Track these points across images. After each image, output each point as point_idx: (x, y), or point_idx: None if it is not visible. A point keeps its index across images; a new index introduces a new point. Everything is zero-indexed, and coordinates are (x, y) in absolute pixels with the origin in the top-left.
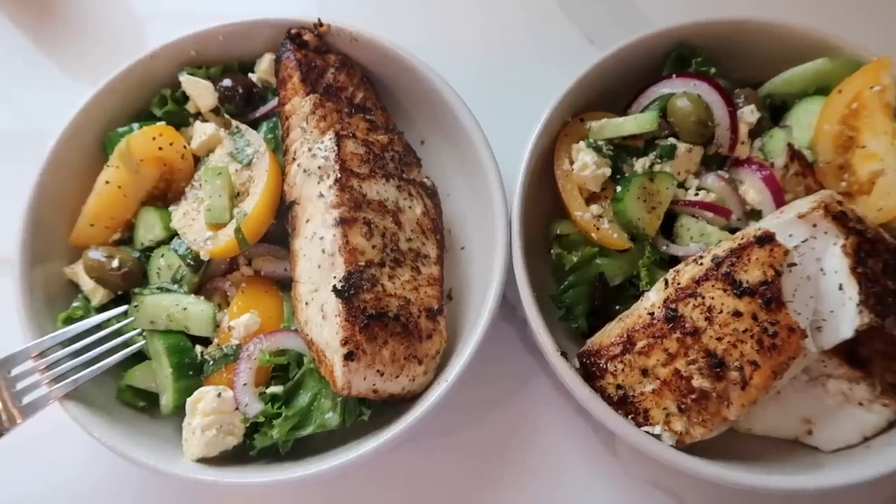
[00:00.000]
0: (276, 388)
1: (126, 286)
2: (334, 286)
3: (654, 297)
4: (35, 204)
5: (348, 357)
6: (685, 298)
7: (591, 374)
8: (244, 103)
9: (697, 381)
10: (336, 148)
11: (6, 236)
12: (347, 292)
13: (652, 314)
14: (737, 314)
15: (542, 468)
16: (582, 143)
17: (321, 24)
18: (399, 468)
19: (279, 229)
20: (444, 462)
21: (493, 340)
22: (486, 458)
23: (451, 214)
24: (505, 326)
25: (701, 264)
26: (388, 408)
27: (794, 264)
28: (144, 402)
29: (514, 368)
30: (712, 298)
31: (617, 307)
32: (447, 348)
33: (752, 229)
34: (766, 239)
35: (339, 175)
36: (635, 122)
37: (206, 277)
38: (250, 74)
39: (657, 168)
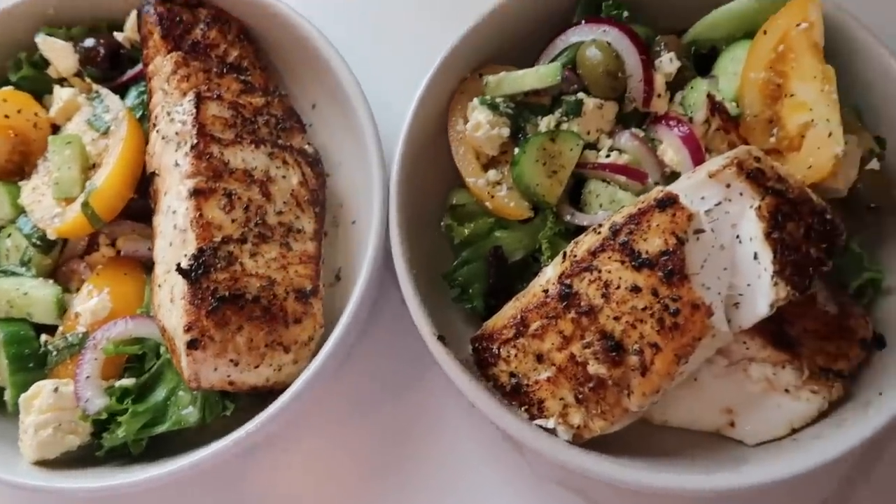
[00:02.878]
0: (126, 382)
1: None
2: (178, 265)
3: (550, 273)
4: None
5: (192, 345)
6: (580, 273)
7: (483, 360)
8: (108, 65)
9: (593, 368)
10: (195, 111)
11: None
12: (195, 272)
13: (546, 291)
14: (635, 289)
15: (442, 467)
16: (476, 101)
17: None
18: (291, 462)
19: (148, 205)
20: (335, 458)
21: (391, 332)
22: (382, 455)
23: (342, 186)
24: (404, 312)
25: (599, 233)
26: (258, 401)
27: (702, 231)
28: None
29: (413, 358)
30: (609, 272)
31: (521, 286)
32: (329, 334)
33: (655, 191)
34: (668, 202)
35: (196, 141)
36: (536, 76)
37: (63, 260)
38: (117, 34)
39: (564, 127)
